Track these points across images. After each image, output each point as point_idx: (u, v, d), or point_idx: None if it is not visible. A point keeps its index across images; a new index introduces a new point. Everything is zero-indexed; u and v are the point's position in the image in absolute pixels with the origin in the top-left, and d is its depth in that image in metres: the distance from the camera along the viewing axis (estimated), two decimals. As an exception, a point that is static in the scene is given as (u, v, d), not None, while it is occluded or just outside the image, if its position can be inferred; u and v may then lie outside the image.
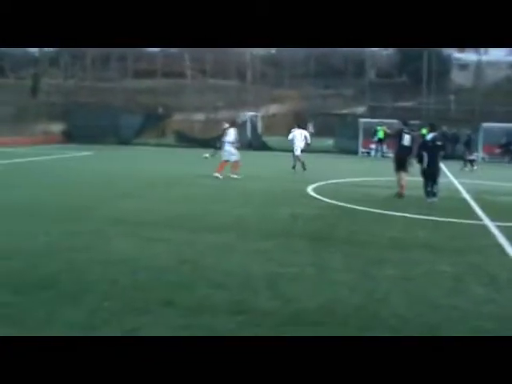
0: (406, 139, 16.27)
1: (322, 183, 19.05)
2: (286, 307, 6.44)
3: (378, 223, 12.28)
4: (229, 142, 20.83)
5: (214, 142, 27.83)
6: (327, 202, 14.90)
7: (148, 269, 7.92)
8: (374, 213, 13.44)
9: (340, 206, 14.33)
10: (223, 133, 24.47)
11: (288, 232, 10.95)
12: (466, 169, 27.78)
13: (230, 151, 20.75)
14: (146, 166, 26.29)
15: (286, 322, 5.99)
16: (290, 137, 24.79)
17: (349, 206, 14.24)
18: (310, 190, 17.28)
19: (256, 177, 20.68)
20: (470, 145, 29.18)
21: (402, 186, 16.23)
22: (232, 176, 20.09)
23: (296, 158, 24.36)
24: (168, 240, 9.83)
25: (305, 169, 23.69)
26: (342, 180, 20.72)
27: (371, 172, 24.73)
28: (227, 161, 20.68)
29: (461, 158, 29.39)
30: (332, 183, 19.55)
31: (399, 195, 16.16)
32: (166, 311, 6.19)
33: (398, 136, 16.62)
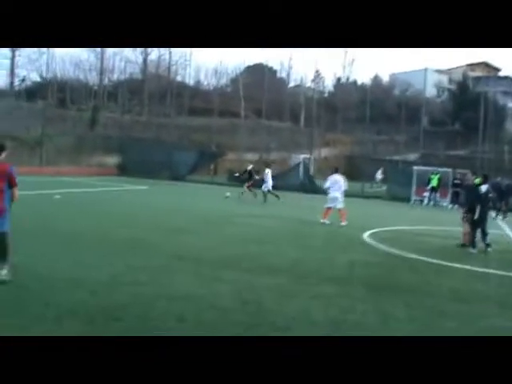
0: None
1: (377, 230, 18.90)
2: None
3: (437, 273, 12.13)
4: (334, 188, 20.48)
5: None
6: (384, 250, 14.78)
7: (213, 308, 8.00)
8: (433, 263, 13.28)
9: (398, 254, 14.19)
10: (246, 173, 25.69)
11: (347, 278, 10.91)
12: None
13: (335, 197, 20.39)
14: (201, 203, 26.63)
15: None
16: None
17: (407, 255, 14.10)
18: (365, 236, 17.20)
19: (311, 220, 20.58)
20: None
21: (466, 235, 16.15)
22: (342, 224, 19.71)
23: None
24: (228, 279, 9.90)
25: None
26: (397, 227, 20.53)
27: (424, 220, 24.42)
28: (330, 208, 20.30)
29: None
30: (387, 230, 19.38)
31: (463, 245, 16.05)
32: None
33: (473, 187, 16.41)
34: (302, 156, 45.64)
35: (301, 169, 40.04)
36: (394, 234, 18.54)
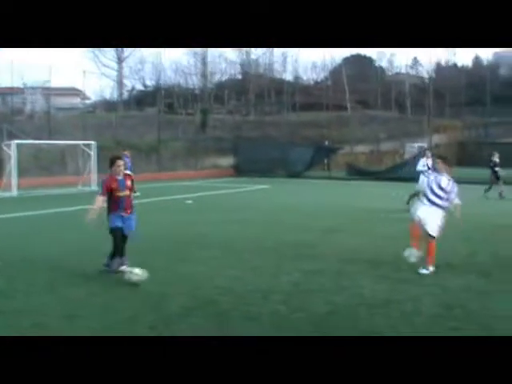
0: None
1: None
2: None
3: None
4: None
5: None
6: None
7: (418, 313, 7.63)
8: None
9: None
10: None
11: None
12: None
13: None
14: (332, 200, 25.42)
15: None
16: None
17: None
18: None
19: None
20: None
21: None
22: None
23: None
24: (414, 281, 9.42)
25: None
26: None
27: None
28: None
29: None
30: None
31: None
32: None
33: None
34: (418, 145, 44.48)
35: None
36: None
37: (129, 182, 9.93)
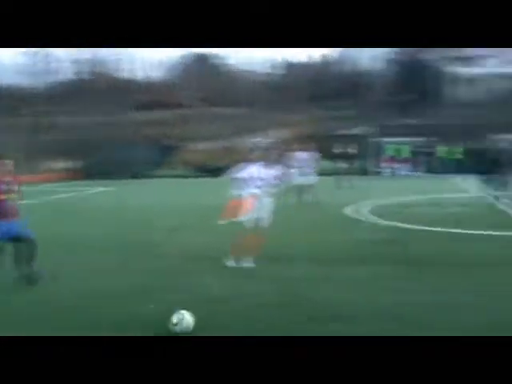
0: None
1: (355, 205, 18.86)
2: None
3: (452, 242, 12.20)
4: None
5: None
6: (386, 225, 14.56)
7: (265, 306, 7.53)
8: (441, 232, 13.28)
9: (401, 227, 14.01)
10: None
11: (369, 257, 10.61)
12: None
13: None
14: (178, 198, 25.45)
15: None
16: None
17: (410, 226, 13.94)
18: (349, 212, 17.28)
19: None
20: None
21: None
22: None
23: None
24: (259, 275, 9.36)
25: None
26: (382, 201, 20.31)
27: (401, 191, 24.53)
28: None
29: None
30: (366, 204, 19.20)
31: None
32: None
33: None
34: (256, 140, 45.14)
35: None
36: (381, 208, 18.37)
37: (12, 186, 8.82)
